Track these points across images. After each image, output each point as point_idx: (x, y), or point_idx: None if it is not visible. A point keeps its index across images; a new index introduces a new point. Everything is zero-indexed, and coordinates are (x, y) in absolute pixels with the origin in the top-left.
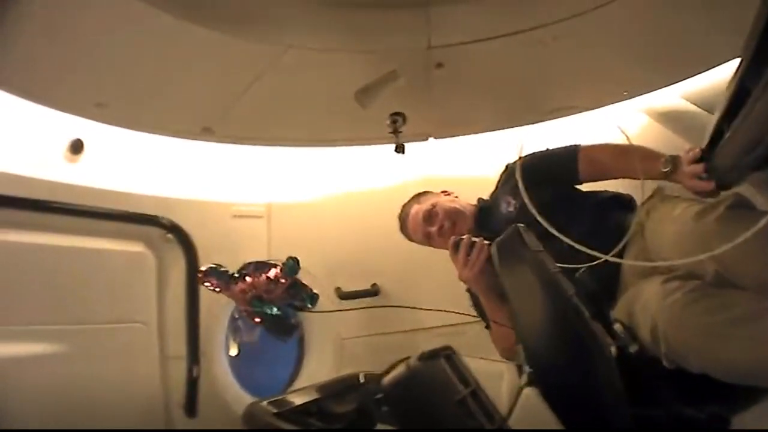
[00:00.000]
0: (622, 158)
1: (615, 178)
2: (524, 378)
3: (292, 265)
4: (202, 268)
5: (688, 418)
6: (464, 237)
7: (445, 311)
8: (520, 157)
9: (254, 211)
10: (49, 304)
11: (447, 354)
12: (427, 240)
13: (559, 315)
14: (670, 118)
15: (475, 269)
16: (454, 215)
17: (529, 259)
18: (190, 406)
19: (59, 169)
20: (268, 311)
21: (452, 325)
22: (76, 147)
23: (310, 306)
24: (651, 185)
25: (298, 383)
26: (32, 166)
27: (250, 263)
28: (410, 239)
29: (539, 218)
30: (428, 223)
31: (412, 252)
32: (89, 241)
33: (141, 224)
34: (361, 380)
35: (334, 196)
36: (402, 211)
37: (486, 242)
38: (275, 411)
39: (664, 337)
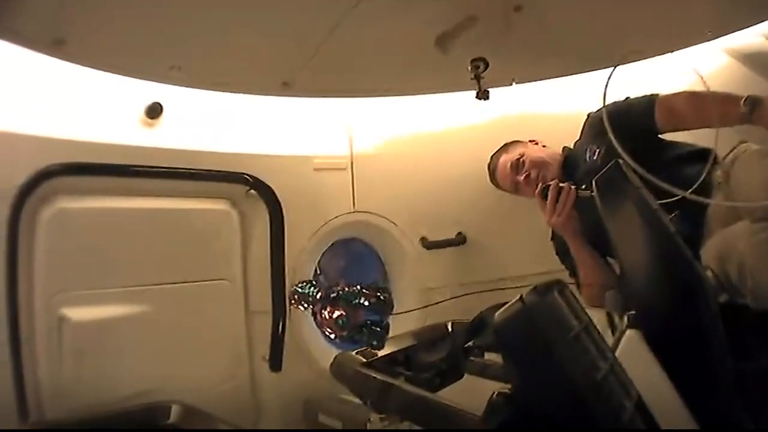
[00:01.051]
0: (698, 104)
1: (693, 128)
2: (626, 320)
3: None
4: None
5: None
6: (551, 183)
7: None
8: (604, 106)
9: (336, 163)
10: (137, 266)
11: (560, 287)
12: (515, 189)
13: (663, 253)
14: (753, 59)
15: (563, 215)
16: (540, 164)
17: (632, 195)
18: (276, 360)
19: (138, 135)
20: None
21: (537, 274)
22: (154, 111)
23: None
24: (729, 138)
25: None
26: (112, 133)
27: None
28: (499, 188)
29: (629, 161)
30: (516, 172)
31: (497, 199)
32: (173, 202)
33: (223, 182)
34: (449, 329)
35: (417, 145)
36: (491, 161)
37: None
38: (363, 361)
39: (751, 273)
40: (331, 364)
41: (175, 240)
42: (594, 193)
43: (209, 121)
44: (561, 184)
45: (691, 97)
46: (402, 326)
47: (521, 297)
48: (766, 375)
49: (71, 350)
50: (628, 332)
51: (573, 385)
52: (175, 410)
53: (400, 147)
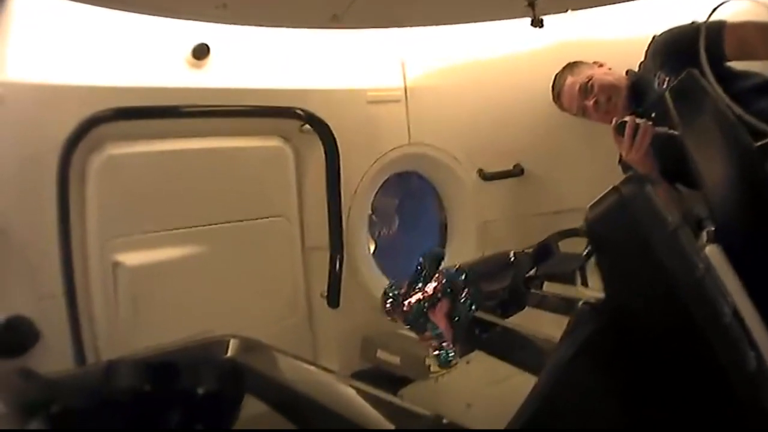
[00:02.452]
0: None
1: (762, 59)
2: (704, 236)
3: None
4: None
5: None
6: (628, 119)
7: None
8: (669, 30)
9: (390, 95)
10: (190, 207)
11: (647, 183)
12: (582, 112)
13: (744, 166)
14: None
15: (641, 151)
16: (609, 89)
17: (709, 107)
18: (333, 297)
19: (186, 77)
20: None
21: None
22: (201, 52)
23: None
24: None
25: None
26: (158, 77)
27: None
28: (563, 110)
29: (712, 85)
30: (584, 96)
31: (555, 130)
32: (224, 142)
33: (276, 117)
34: (512, 258)
35: (472, 75)
36: (555, 81)
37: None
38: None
39: None
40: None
41: (228, 179)
42: (671, 131)
43: (259, 59)
44: (638, 120)
45: (763, 27)
46: (458, 258)
47: (616, 188)
48: None
49: (127, 296)
50: (709, 247)
51: (672, 282)
52: (233, 344)
53: (454, 77)
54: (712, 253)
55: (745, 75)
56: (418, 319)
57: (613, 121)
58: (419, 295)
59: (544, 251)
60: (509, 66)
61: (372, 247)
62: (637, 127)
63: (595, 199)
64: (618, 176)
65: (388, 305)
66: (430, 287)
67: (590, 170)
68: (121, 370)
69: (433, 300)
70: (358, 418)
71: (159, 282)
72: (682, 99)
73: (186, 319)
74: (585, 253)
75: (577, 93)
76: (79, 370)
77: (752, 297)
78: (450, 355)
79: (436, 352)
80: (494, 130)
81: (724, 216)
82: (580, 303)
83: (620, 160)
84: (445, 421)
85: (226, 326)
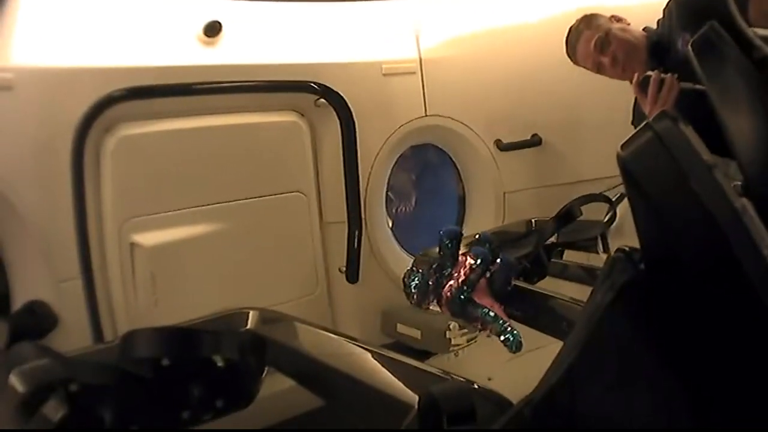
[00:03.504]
0: None
1: None
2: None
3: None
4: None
5: None
6: (652, 74)
7: None
8: None
9: (405, 67)
10: (207, 185)
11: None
12: (597, 68)
13: None
14: None
15: (666, 106)
16: (627, 45)
17: (732, 59)
18: (353, 271)
19: (199, 55)
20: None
21: (613, 176)
22: (213, 29)
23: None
24: None
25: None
26: (171, 55)
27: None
28: (576, 64)
29: (744, 32)
30: (600, 51)
31: (573, 99)
32: (239, 118)
33: (290, 92)
34: (533, 225)
35: (487, 45)
36: (570, 34)
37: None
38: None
39: None
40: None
41: (244, 155)
42: (696, 86)
43: (271, 35)
44: (663, 75)
45: None
46: (478, 230)
47: (648, 124)
48: None
49: (145, 276)
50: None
51: (711, 220)
52: (252, 316)
53: (469, 48)
54: (742, 206)
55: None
56: (463, 306)
57: (636, 77)
58: (453, 282)
59: (566, 216)
60: (525, 34)
61: (390, 223)
62: (662, 81)
63: (626, 141)
64: None
65: (414, 297)
66: (462, 269)
67: (609, 140)
68: (138, 340)
69: (470, 282)
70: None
71: (177, 261)
72: (705, 52)
73: (205, 298)
74: (606, 219)
75: (593, 48)
76: (99, 347)
77: None
78: (515, 333)
79: (502, 338)
80: (511, 100)
81: (753, 169)
82: (614, 251)
83: (633, 120)
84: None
85: (246, 303)
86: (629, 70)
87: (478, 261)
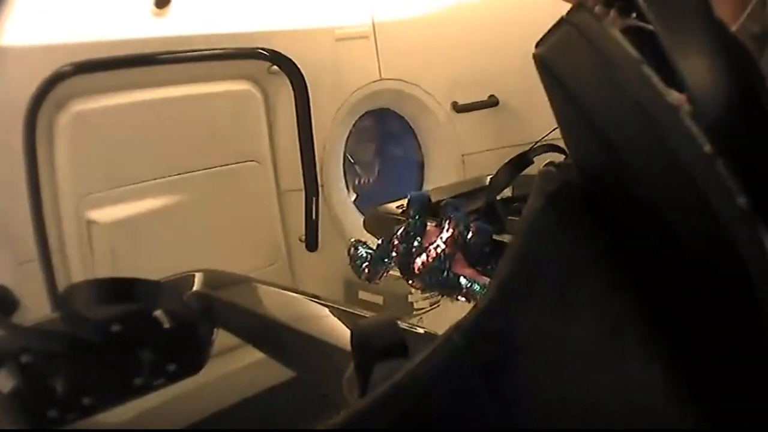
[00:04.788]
0: None
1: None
2: None
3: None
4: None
5: None
6: (590, 3)
7: None
8: None
9: (358, 32)
10: (162, 157)
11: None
12: None
13: (735, 68)
14: None
15: None
16: None
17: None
18: (311, 239)
19: (150, 27)
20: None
21: None
22: (163, 0)
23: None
24: None
25: None
26: (122, 29)
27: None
28: None
29: None
30: None
31: (529, 61)
32: (192, 88)
33: (242, 59)
34: (487, 182)
35: (442, 8)
36: None
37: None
38: (399, 212)
39: None
40: (365, 220)
41: (198, 126)
42: (642, 24)
43: (222, 3)
44: (601, 8)
45: None
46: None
47: (563, 18)
48: None
49: (104, 253)
50: None
51: (642, 116)
52: (199, 277)
53: (423, 10)
54: (677, 102)
55: None
56: (445, 279)
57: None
58: (426, 255)
59: (519, 163)
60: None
61: (354, 196)
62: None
63: (543, 37)
64: None
65: (365, 269)
66: (437, 238)
67: None
68: (80, 293)
69: (450, 255)
70: (327, 336)
71: (135, 236)
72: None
73: (165, 272)
74: None
75: None
76: (53, 317)
77: None
78: None
79: None
80: (467, 62)
81: (712, 121)
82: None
83: None
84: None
85: None
86: None
87: (461, 230)
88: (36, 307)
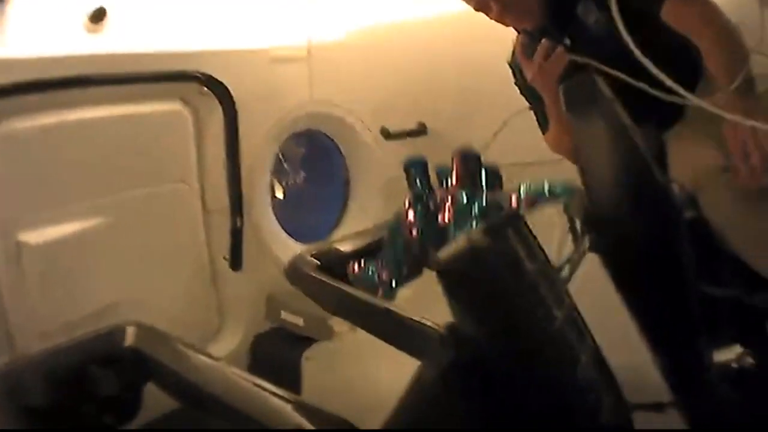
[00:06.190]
0: (705, 34)
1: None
2: (586, 242)
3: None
4: None
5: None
6: (542, 43)
7: None
8: None
9: (294, 53)
10: (92, 179)
11: (515, 223)
12: (481, 6)
13: (630, 169)
14: None
15: (551, 76)
16: None
17: (603, 108)
18: (236, 258)
19: (84, 43)
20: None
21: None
22: (98, 16)
23: None
24: None
25: (345, 226)
26: (56, 45)
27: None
28: None
29: (639, 57)
30: None
31: (461, 87)
32: (124, 108)
33: (174, 81)
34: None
35: (377, 33)
36: None
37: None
38: (318, 264)
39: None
40: (286, 268)
41: (128, 147)
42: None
43: (159, 20)
44: (552, 43)
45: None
46: (363, 217)
47: (469, 237)
48: (734, 303)
49: (33, 274)
50: (588, 256)
51: (527, 337)
52: (130, 332)
53: (360, 38)
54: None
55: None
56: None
57: (519, 37)
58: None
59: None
60: (414, 30)
61: (281, 194)
62: (552, 48)
63: (448, 246)
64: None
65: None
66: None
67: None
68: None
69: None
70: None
71: (65, 257)
72: (575, 97)
73: (95, 292)
74: None
75: None
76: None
77: (633, 305)
78: None
79: None
80: (399, 88)
81: (607, 220)
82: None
83: (516, 81)
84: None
85: (134, 295)
86: (519, 18)
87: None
88: None
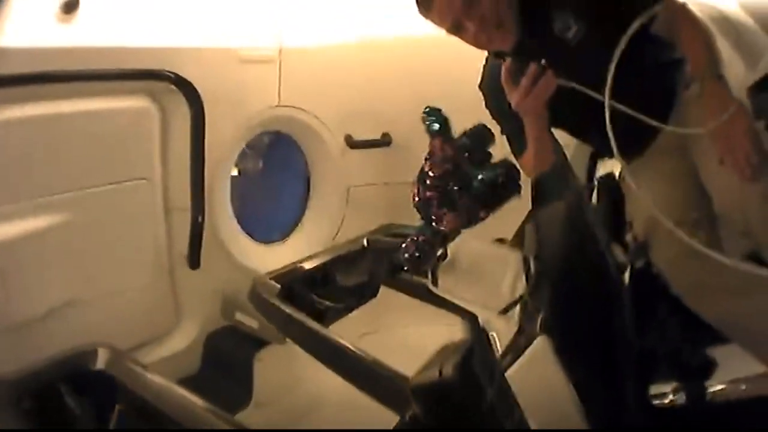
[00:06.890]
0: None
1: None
2: (538, 323)
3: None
4: None
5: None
6: (531, 68)
7: None
8: None
9: (264, 55)
10: (53, 175)
11: (480, 342)
12: (456, 29)
13: (577, 244)
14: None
15: (539, 101)
16: (501, 10)
17: (567, 197)
18: (194, 257)
19: (55, 33)
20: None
21: None
22: (70, 6)
23: None
24: None
25: (302, 229)
26: (25, 34)
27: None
28: (427, 17)
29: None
30: (468, 7)
31: (426, 100)
32: (90, 103)
33: (141, 80)
34: (365, 244)
35: (348, 42)
36: None
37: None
38: (278, 288)
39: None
40: (249, 293)
41: (92, 143)
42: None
43: (131, 15)
44: (540, 67)
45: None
46: (319, 222)
47: (441, 368)
48: (674, 354)
49: None
50: (539, 338)
51: None
52: (102, 354)
53: (331, 43)
54: (540, 343)
55: (665, 46)
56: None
57: (506, 64)
58: None
59: None
60: (385, 36)
61: (235, 172)
62: (541, 73)
63: (420, 370)
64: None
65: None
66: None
67: None
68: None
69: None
70: None
71: (25, 254)
72: (544, 186)
73: (54, 289)
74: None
75: (460, 2)
76: None
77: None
78: None
79: None
80: (366, 98)
81: (559, 308)
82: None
83: (481, 83)
84: None
85: (93, 292)
86: (494, 41)
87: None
88: None
